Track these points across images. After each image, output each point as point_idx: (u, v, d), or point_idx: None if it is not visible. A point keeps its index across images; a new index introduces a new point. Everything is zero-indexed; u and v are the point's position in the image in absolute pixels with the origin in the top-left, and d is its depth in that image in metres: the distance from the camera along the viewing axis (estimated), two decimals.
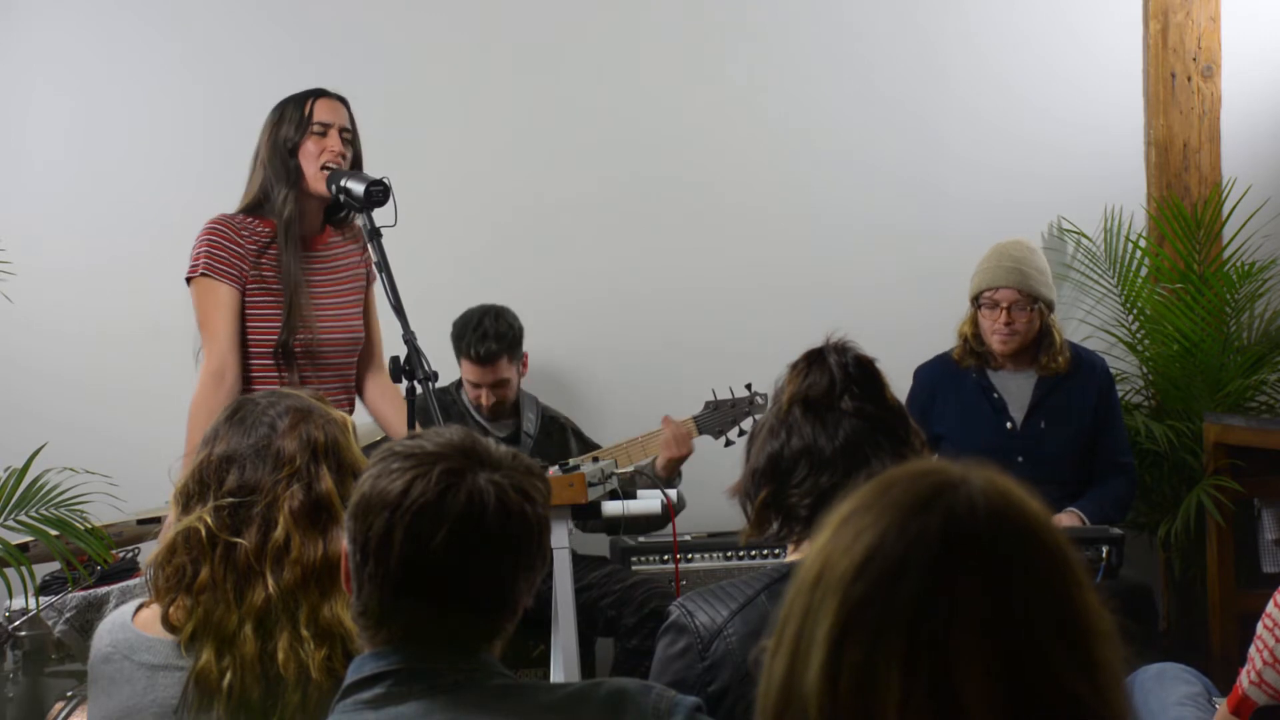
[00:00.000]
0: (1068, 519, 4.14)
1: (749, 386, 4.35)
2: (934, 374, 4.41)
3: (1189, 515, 4.53)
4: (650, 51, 4.93)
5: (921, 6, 5.02)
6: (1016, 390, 4.33)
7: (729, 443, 4.30)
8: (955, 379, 4.37)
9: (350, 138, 3.50)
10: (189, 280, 3.45)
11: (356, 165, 3.51)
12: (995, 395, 4.32)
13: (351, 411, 3.54)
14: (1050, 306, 4.29)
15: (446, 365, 4.36)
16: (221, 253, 3.40)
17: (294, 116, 3.46)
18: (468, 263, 4.82)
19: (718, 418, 4.35)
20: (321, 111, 3.46)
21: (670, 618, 2.03)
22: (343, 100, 3.53)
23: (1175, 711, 2.76)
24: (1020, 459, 4.20)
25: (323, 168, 3.43)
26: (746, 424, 4.32)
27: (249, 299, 3.42)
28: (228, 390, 3.32)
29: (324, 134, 3.44)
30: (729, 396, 4.36)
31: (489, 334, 4.28)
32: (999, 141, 5.01)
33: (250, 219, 3.47)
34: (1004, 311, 4.24)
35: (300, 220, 3.47)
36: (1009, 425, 4.30)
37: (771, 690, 1.10)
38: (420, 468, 1.63)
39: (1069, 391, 4.32)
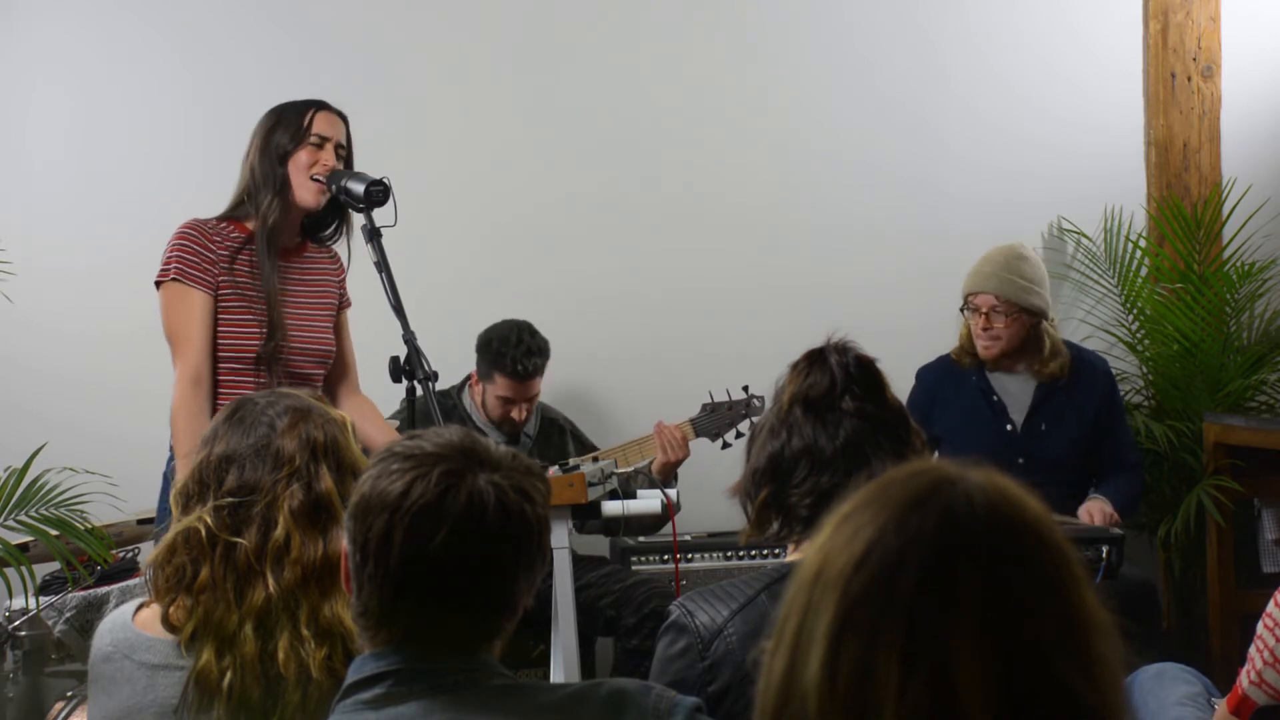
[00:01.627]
0: (1095, 504, 4.14)
1: (746, 389, 4.35)
2: (935, 375, 4.41)
3: (1189, 515, 4.53)
4: (650, 52, 4.93)
5: (921, 6, 5.02)
6: (1017, 393, 4.33)
7: (726, 445, 4.30)
8: (956, 381, 4.37)
9: (344, 154, 3.46)
10: (158, 284, 3.41)
11: None
12: (995, 398, 4.32)
13: None
14: (1039, 314, 4.26)
15: (446, 366, 4.36)
16: (192, 257, 3.36)
17: (291, 125, 3.41)
18: (468, 263, 4.82)
19: (714, 420, 4.34)
20: (321, 124, 3.42)
21: (670, 618, 2.03)
22: (342, 116, 3.49)
23: (1175, 711, 2.76)
24: (1021, 461, 4.20)
25: (312, 178, 3.40)
26: (744, 426, 4.32)
27: (222, 304, 3.38)
28: (205, 394, 3.32)
29: (320, 146, 3.41)
30: (726, 399, 4.35)
31: (532, 350, 4.27)
32: (999, 141, 5.01)
33: (225, 223, 3.43)
34: (984, 316, 4.24)
35: (287, 229, 3.45)
36: (1009, 428, 4.30)
37: (771, 687, 1.10)
38: (420, 469, 1.63)
39: (1069, 394, 4.32)
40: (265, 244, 3.38)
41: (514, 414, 4.33)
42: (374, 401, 3.69)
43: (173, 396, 3.36)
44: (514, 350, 4.25)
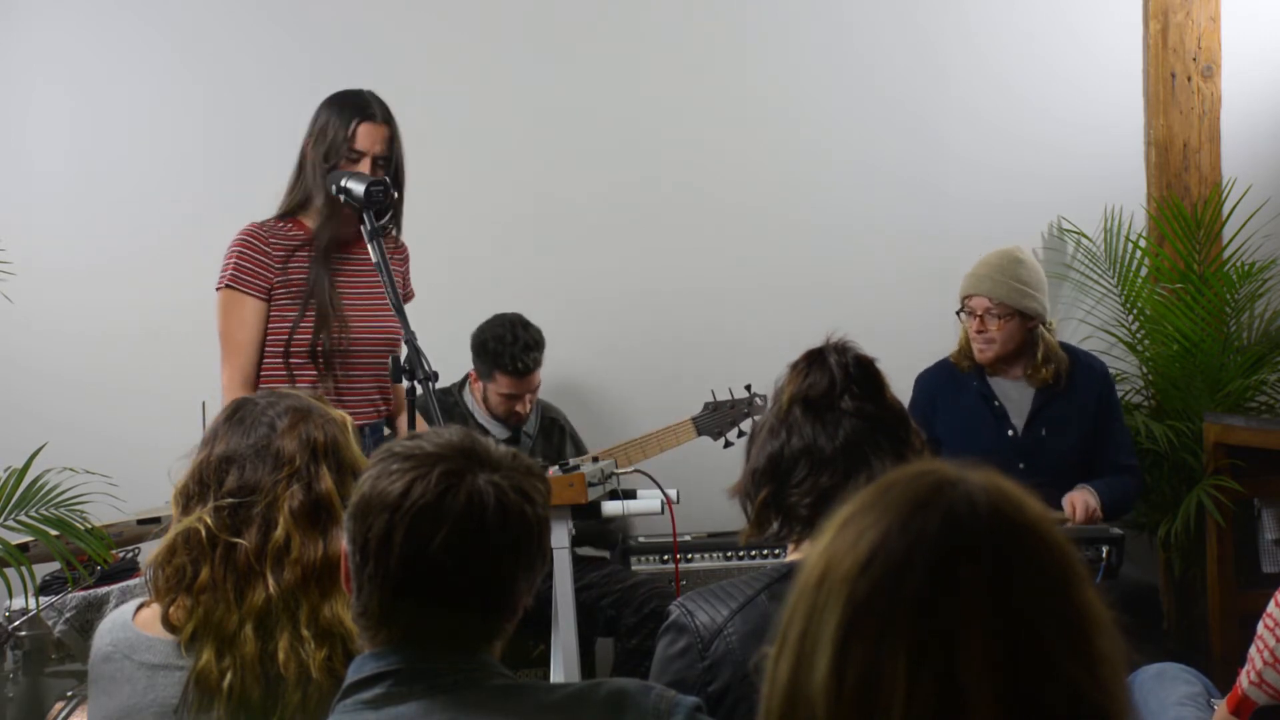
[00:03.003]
0: (1079, 494, 4.12)
1: (748, 388, 4.35)
2: (934, 381, 4.40)
3: (1189, 515, 4.53)
4: (651, 52, 4.93)
5: (921, 6, 5.02)
6: (1017, 398, 4.32)
7: (728, 444, 4.30)
8: (956, 386, 4.36)
9: (385, 161, 3.46)
10: (217, 289, 3.48)
11: (396, 182, 3.48)
12: (996, 404, 4.31)
13: (387, 409, 3.55)
14: (1035, 318, 4.26)
15: (446, 366, 4.36)
16: (248, 264, 3.43)
17: (337, 136, 3.43)
18: (469, 263, 4.82)
19: (716, 419, 4.34)
20: (362, 139, 3.43)
21: (670, 617, 2.03)
22: (388, 122, 3.48)
23: (1175, 711, 2.76)
24: (1021, 466, 4.18)
25: None
26: (745, 425, 4.32)
27: (275, 303, 3.45)
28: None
29: (357, 161, 3.43)
30: (728, 398, 4.35)
31: (529, 345, 4.30)
32: (999, 141, 5.01)
33: (283, 223, 3.48)
34: (978, 319, 4.24)
35: (340, 228, 3.48)
36: (1010, 433, 4.29)
37: (776, 693, 1.10)
38: (420, 469, 1.63)
39: (1068, 398, 4.31)
40: (321, 253, 3.44)
41: (518, 408, 4.34)
42: None
43: (223, 398, 3.41)
44: (511, 348, 4.27)
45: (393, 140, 3.50)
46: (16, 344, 4.60)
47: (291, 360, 3.44)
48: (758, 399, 4.33)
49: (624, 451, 4.24)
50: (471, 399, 4.42)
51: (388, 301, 3.53)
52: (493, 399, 4.35)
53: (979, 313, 4.25)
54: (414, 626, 1.64)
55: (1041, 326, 4.27)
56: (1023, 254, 4.33)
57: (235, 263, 3.44)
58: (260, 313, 3.44)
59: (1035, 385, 4.30)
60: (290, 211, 3.50)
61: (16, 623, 3.83)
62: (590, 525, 3.91)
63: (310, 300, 3.42)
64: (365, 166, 3.43)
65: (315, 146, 3.45)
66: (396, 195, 3.43)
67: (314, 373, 3.43)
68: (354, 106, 3.47)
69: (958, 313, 4.33)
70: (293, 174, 3.51)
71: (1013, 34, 5.04)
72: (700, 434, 4.32)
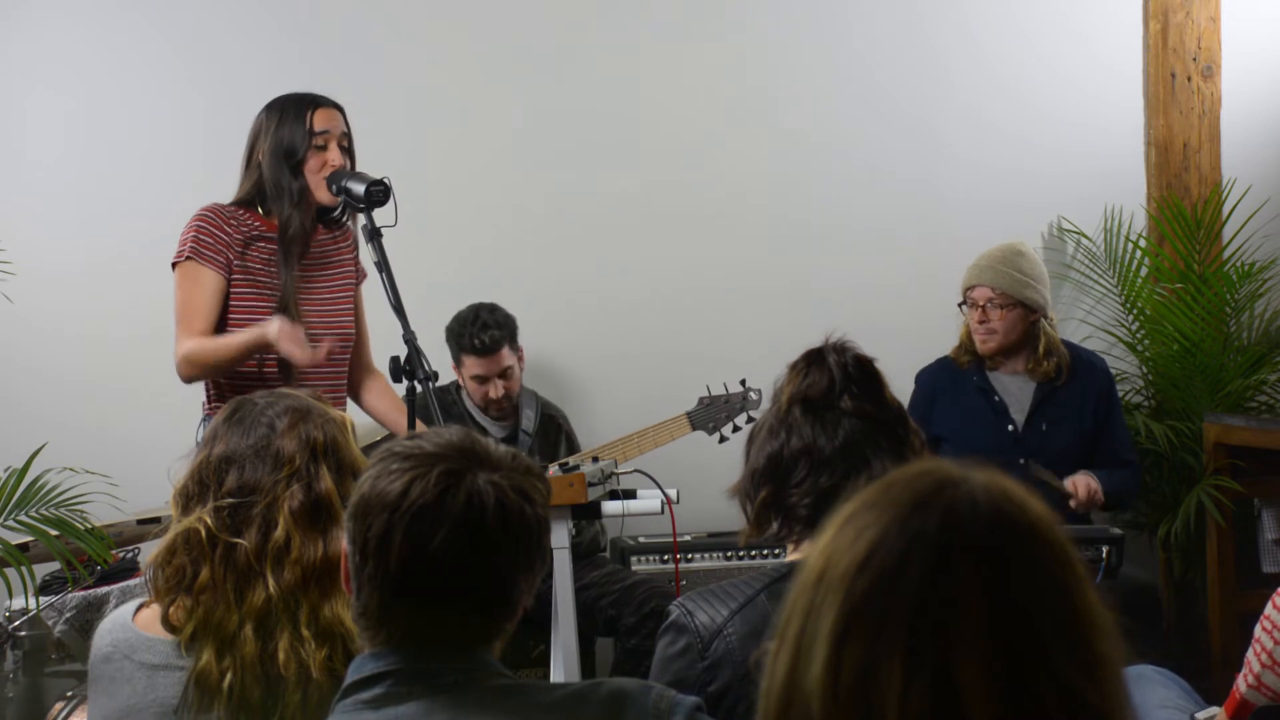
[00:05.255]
0: (1082, 476, 4.14)
1: (743, 382, 4.35)
2: (935, 377, 4.41)
3: (1189, 515, 4.53)
4: (650, 52, 4.92)
5: (922, 6, 5.02)
6: (1017, 392, 4.33)
7: (723, 438, 4.30)
8: (956, 382, 4.37)
9: (347, 145, 3.51)
10: (174, 265, 3.47)
11: (351, 168, 3.52)
12: (996, 398, 4.32)
13: (340, 402, 3.58)
14: (1036, 309, 4.27)
15: (446, 366, 4.36)
16: (208, 238, 3.44)
17: (296, 128, 3.45)
18: (468, 263, 4.81)
19: (711, 413, 4.34)
20: (321, 122, 3.46)
21: (670, 617, 2.03)
22: (339, 107, 3.53)
23: (1159, 714, 2.75)
24: (1022, 461, 4.19)
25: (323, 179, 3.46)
26: (741, 419, 4.32)
27: (234, 290, 3.45)
28: None
29: (325, 147, 3.45)
30: (723, 392, 4.36)
31: (488, 324, 4.34)
32: (999, 141, 5.01)
33: (242, 211, 3.49)
34: (980, 310, 4.26)
35: (307, 227, 3.50)
36: (1010, 428, 4.30)
37: (774, 689, 1.10)
38: (419, 468, 1.62)
39: (1069, 393, 4.32)
40: (285, 252, 3.44)
41: (491, 392, 4.33)
42: None
43: (177, 354, 3.42)
44: (471, 327, 4.32)
45: (349, 126, 3.54)
46: (16, 344, 4.59)
47: (264, 368, 3.44)
48: (752, 393, 4.32)
49: (620, 448, 4.24)
50: (471, 398, 4.43)
51: (343, 299, 3.59)
52: (469, 386, 4.37)
53: (981, 303, 4.26)
54: (414, 626, 1.64)
55: (1043, 320, 4.29)
56: (1024, 247, 4.36)
57: (195, 236, 3.44)
58: (220, 287, 3.44)
59: (1036, 379, 4.31)
60: (246, 203, 3.50)
61: (16, 623, 3.83)
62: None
63: (284, 312, 3.42)
64: (332, 153, 3.44)
65: (274, 145, 3.46)
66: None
67: (269, 372, 3.43)
68: (300, 99, 3.52)
69: (960, 305, 4.35)
70: (248, 174, 3.52)
71: (1013, 34, 5.04)
72: (695, 428, 4.32)
